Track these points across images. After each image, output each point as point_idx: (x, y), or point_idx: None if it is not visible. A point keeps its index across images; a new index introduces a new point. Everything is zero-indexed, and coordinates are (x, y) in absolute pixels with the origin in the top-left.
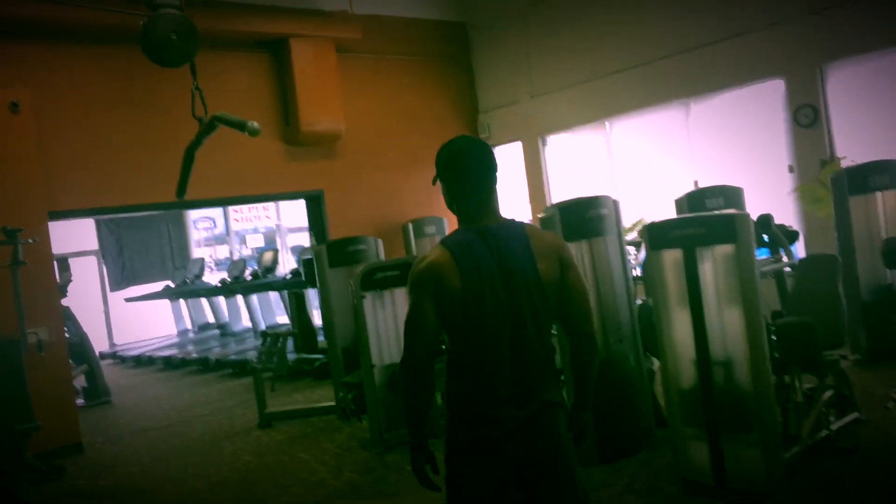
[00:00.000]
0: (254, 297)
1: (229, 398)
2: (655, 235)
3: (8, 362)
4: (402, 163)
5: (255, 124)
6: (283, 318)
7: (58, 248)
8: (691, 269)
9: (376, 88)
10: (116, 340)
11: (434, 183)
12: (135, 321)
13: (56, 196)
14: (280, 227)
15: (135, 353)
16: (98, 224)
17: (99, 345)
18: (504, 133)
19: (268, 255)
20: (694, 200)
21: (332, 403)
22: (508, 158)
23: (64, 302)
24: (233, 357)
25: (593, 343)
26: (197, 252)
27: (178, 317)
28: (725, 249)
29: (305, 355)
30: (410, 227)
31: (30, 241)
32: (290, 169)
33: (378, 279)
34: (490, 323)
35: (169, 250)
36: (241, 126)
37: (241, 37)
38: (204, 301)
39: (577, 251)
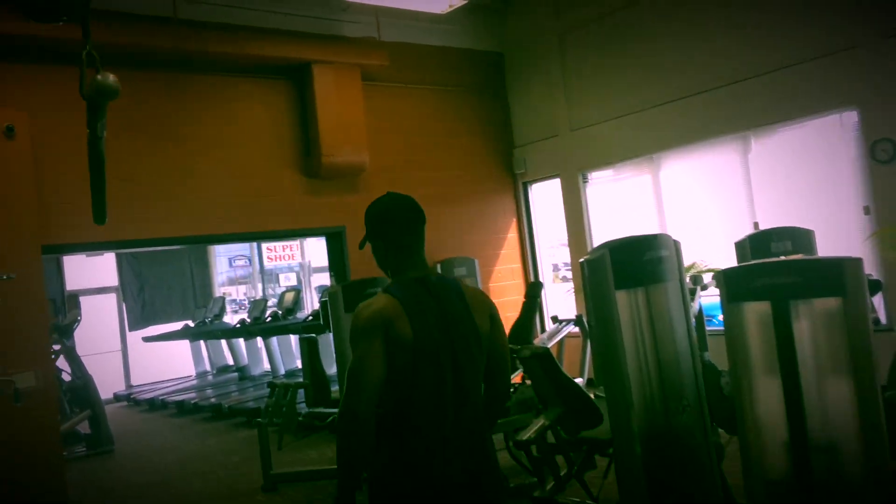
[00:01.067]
0: (274, 340)
1: (237, 451)
2: (734, 284)
3: None
4: (431, 199)
5: (111, 77)
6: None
7: (75, 283)
8: (784, 327)
9: (403, 119)
10: (134, 381)
11: (362, 246)
12: (155, 361)
13: (52, 229)
14: (304, 265)
15: (149, 395)
16: (119, 259)
17: (116, 386)
18: (541, 168)
19: (289, 296)
20: (758, 243)
21: None
22: (545, 196)
23: (78, 341)
24: (249, 404)
25: (508, 394)
26: (225, 290)
27: (197, 358)
28: (829, 303)
29: (317, 409)
30: (439, 268)
31: (4, 277)
32: (311, 203)
33: None
34: (438, 371)
35: (191, 288)
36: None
37: (259, 62)
38: (224, 342)
39: (631, 301)
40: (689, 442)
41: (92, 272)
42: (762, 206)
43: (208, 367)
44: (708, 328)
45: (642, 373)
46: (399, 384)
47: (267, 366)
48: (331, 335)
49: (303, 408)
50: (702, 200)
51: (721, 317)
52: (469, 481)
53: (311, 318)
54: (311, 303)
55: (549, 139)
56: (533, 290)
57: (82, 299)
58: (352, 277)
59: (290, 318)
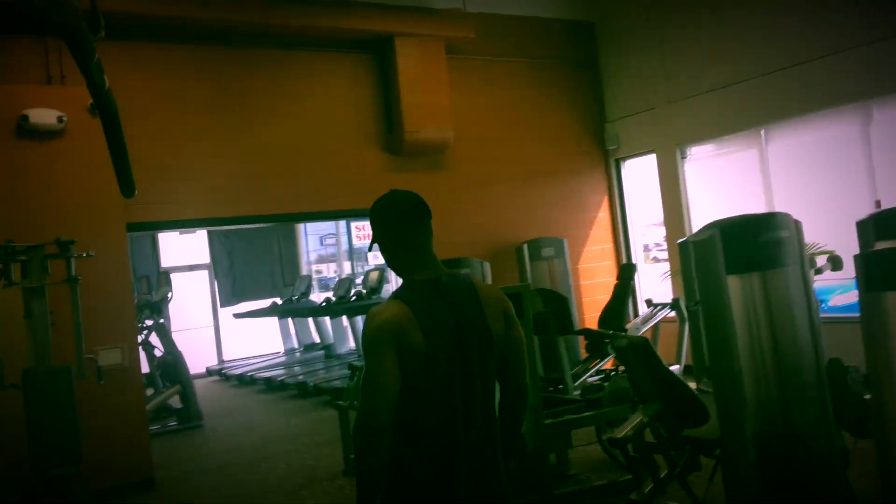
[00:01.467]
0: (358, 320)
1: (321, 432)
2: (876, 269)
3: (54, 395)
4: (517, 177)
5: None
6: None
7: (170, 261)
8: None
9: (490, 94)
10: (226, 357)
11: (370, 248)
12: (245, 337)
13: (136, 206)
14: None
15: (239, 371)
16: (210, 237)
17: (208, 361)
18: (635, 144)
19: (373, 275)
20: (883, 224)
21: None
22: (637, 173)
23: (172, 317)
24: (334, 383)
25: (526, 394)
26: (316, 268)
27: (285, 335)
28: None
29: None
30: (525, 249)
31: (84, 254)
32: (393, 181)
33: None
34: (450, 380)
35: (279, 266)
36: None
37: (340, 35)
38: (310, 320)
39: (744, 287)
40: (810, 446)
41: (186, 250)
42: (886, 183)
43: (296, 345)
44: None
45: (757, 368)
46: (409, 391)
47: (352, 344)
48: None
49: None
50: (814, 176)
51: (832, 302)
52: (475, 493)
53: None
54: (397, 281)
55: (645, 112)
56: (626, 272)
57: (176, 276)
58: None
59: (374, 297)
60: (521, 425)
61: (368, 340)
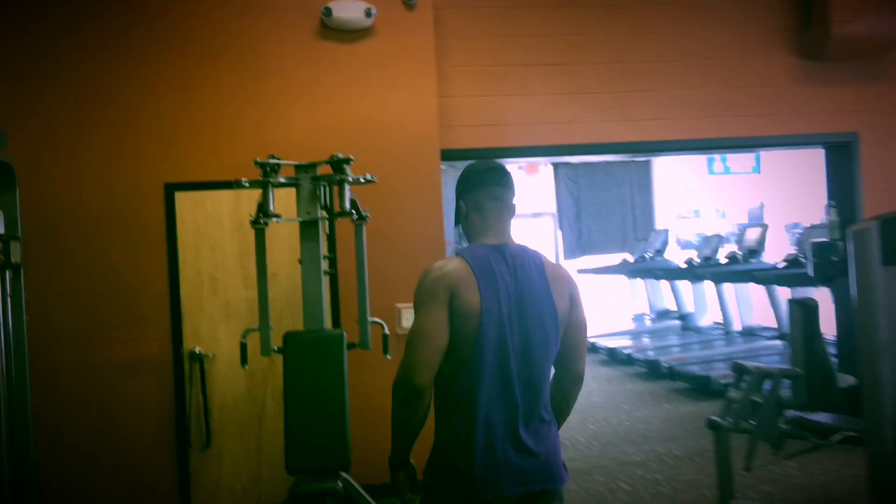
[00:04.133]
0: (727, 288)
1: (678, 438)
2: None
3: (317, 369)
4: None
5: None
6: (765, 320)
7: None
8: None
9: None
10: None
11: (456, 222)
12: (588, 296)
13: (454, 129)
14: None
15: None
16: (557, 181)
17: None
18: None
19: (753, 233)
20: None
21: None
22: None
23: None
24: (692, 368)
25: (580, 382)
26: (666, 222)
27: (633, 297)
28: None
29: (810, 415)
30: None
31: (361, 179)
32: (801, 98)
33: None
34: (504, 346)
35: (631, 217)
36: None
37: None
38: (664, 283)
39: None
40: None
41: (528, 194)
42: None
43: (646, 310)
44: None
45: None
46: (459, 355)
47: (716, 317)
48: (830, 295)
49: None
50: None
51: None
52: (517, 471)
53: (783, 264)
54: (779, 243)
55: None
56: None
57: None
58: (864, 212)
59: (752, 260)
60: (568, 414)
61: (420, 293)
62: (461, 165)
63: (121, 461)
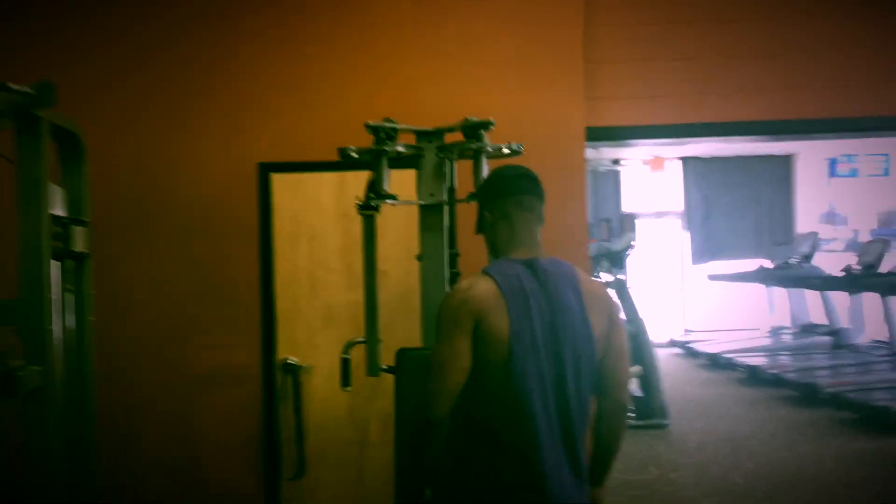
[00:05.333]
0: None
1: (856, 485)
2: None
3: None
4: None
5: None
6: None
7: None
8: None
9: None
10: (690, 327)
11: (478, 230)
12: (716, 305)
13: (595, 102)
14: None
15: (711, 349)
16: (686, 180)
17: (670, 329)
18: None
19: None
20: None
21: None
22: None
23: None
24: (852, 395)
25: (626, 411)
26: (807, 224)
27: (772, 308)
28: None
29: None
30: None
31: (504, 148)
32: None
33: None
34: (537, 373)
35: (767, 219)
36: None
37: None
38: (810, 294)
39: None
40: None
41: (654, 192)
42: None
43: (787, 323)
44: None
45: None
46: (486, 382)
47: (879, 333)
48: None
49: None
50: None
51: None
52: None
53: None
54: None
55: None
56: None
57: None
58: None
59: None
60: (617, 447)
61: (443, 318)
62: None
63: (200, 487)
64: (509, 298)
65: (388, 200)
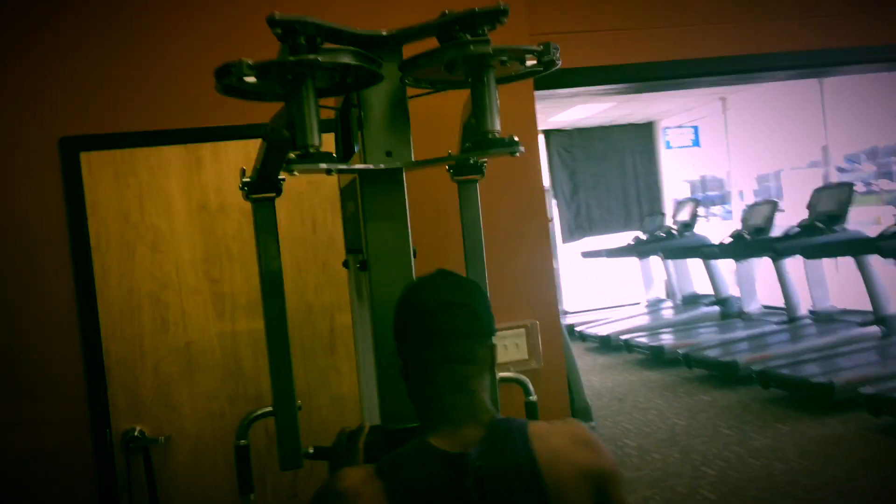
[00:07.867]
0: (791, 264)
1: (818, 474)
2: None
3: None
4: None
5: None
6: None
7: None
8: None
9: None
10: (567, 308)
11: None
12: (590, 282)
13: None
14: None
15: (601, 331)
16: (550, 154)
17: None
18: None
19: (830, 195)
20: None
21: None
22: None
23: None
24: (782, 370)
25: None
26: (675, 194)
27: (647, 281)
28: None
29: None
30: None
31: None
32: None
33: None
34: None
35: (634, 189)
36: None
37: None
38: (692, 263)
39: None
40: None
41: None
42: None
43: (662, 296)
44: None
45: None
46: None
47: (773, 300)
48: None
49: None
50: None
51: None
52: None
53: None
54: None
55: None
56: None
57: None
58: None
59: (836, 228)
60: None
61: None
62: None
63: None
64: None
65: (321, 164)
